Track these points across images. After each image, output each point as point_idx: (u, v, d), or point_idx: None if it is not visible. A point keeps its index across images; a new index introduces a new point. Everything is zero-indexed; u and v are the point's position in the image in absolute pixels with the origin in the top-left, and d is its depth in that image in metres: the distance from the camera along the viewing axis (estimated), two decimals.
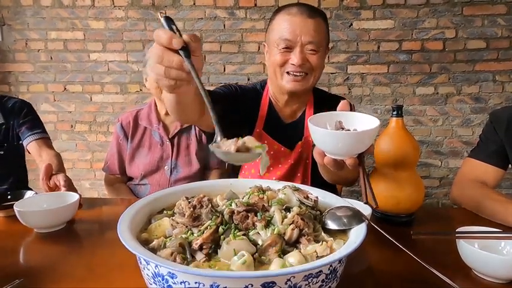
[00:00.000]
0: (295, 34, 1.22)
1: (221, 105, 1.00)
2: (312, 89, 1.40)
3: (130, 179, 1.80)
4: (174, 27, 0.69)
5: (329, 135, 0.80)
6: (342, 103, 0.91)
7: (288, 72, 1.27)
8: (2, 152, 1.62)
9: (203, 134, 1.72)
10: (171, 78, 0.69)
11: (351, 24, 2.73)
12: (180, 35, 0.67)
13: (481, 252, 0.79)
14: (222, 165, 1.78)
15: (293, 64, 1.24)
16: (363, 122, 0.84)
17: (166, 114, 1.77)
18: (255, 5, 2.73)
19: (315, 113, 1.36)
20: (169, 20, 0.70)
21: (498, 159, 1.33)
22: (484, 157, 1.35)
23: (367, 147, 0.81)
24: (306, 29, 1.21)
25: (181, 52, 0.66)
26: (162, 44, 0.67)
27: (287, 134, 1.38)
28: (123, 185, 1.81)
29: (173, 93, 0.82)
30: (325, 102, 1.42)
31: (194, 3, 2.76)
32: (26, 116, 1.68)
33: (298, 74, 1.26)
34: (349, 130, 0.84)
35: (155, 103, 1.80)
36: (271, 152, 1.37)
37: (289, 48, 1.24)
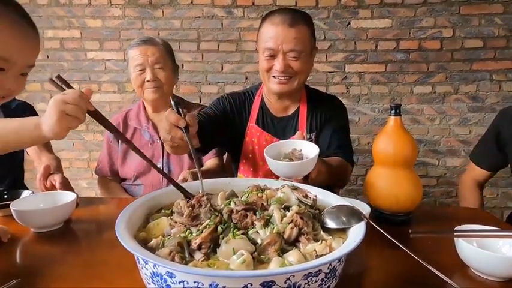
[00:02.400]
0: (276, 44, 1.32)
1: (209, 126, 1.32)
2: (300, 88, 1.47)
3: (124, 179, 1.79)
4: (180, 109, 0.98)
5: (277, 164, 1.05)
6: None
7: (274, 76, 1.38)
8: None
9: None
10: (174, 143, 1.02)
11: (349, 23, 2.72)
12: (184, 116, 0.96)
13: (479, 250, 0.79)
14: (218, 153, 1.75)
15: (277, 70, 1.35)
16: (308, 148, 1.11)
17: (155, 112, 1.75)
18: (253, 3, 2.73)
19: (308, 109, 1.47)
20: (177, 104, 0.99)
21: (488, 162, 1.50)
22: (476, 158, 1.54)
23: (310, 171, 1.07)
24: (287, 38, 1.31)
25: (183, 129, 0.96)
26: (171, 122, 0.96)
27: (279, 126, 1.49)
28: (116, 184, 1.79)
29: (173, 150, 1.17)
30: (319, 100, 1.52)
31: (192, 2, 2.75)
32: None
33: (282, 77, 1.36)
34: (301, 156, 1.11)
35: (143, 103, 1.78)
36: (264, 143, 1.45)
37: (272, 56, 1.35)
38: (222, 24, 2.77)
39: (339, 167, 1.36)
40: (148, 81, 1.62)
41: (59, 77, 0.88)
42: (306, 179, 1.09)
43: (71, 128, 0.88)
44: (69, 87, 0.89)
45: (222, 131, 1.41)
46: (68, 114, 0.85)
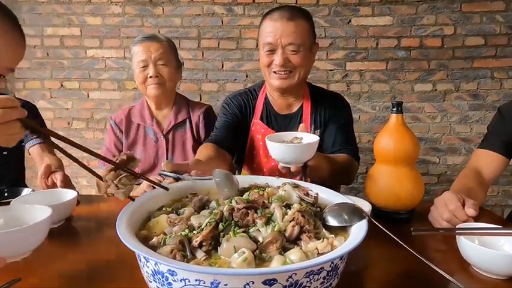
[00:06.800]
0: (275, 38, 1.33)
1: (232, 137, 1.42)
2: (301, 84, 1.48)
3: None
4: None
5: (278, 147, 1.05)
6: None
7: (274, 72, 1.39)
8: (5, 153, 1.60)
9: (199, 129, 1.73)
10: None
11: (350, 21, 2.72)
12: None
13: (481, 248, 0.79)
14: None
15: (276, 64, 1.36)
16: (309, 137, 1.13)
17: (158, 109, 1.75)
18: (253, 1, 2.72)
19: (312, 106, 1.48)
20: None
21: (505, 148, 1.35)
22: (491, 146, 1.36)
23: (309, 158, 1.06)
24: (285, 32, 1.32)
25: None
26: None
27: (283, 123, 1.50)
28: None
29: None
30: (322, 97, 1.52)
31: (192, 0, 2.74)
32: (32, 119, 1.66)
33: (282, 72, 1.38)
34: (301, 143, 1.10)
35: (147, 100, 1.78)
36: None
37: (272, 51, 1.36)
38: (222, 21, 2.76)
39: (345, 163, 1.35)
40: (150, 77, 1.62)
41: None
42: (304, 169, 1.10)
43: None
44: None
45: (239, 135, 1.48)
46: None
